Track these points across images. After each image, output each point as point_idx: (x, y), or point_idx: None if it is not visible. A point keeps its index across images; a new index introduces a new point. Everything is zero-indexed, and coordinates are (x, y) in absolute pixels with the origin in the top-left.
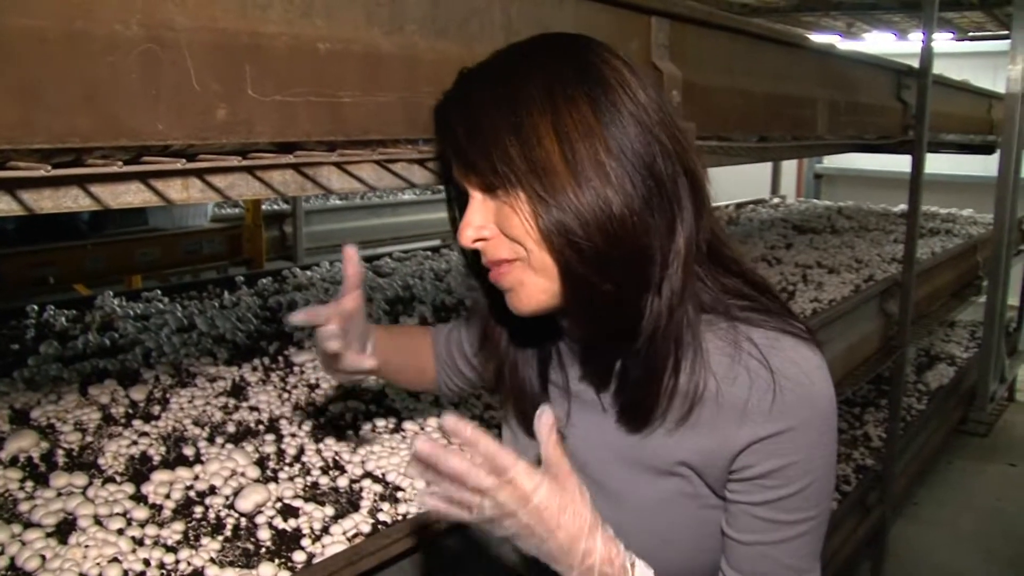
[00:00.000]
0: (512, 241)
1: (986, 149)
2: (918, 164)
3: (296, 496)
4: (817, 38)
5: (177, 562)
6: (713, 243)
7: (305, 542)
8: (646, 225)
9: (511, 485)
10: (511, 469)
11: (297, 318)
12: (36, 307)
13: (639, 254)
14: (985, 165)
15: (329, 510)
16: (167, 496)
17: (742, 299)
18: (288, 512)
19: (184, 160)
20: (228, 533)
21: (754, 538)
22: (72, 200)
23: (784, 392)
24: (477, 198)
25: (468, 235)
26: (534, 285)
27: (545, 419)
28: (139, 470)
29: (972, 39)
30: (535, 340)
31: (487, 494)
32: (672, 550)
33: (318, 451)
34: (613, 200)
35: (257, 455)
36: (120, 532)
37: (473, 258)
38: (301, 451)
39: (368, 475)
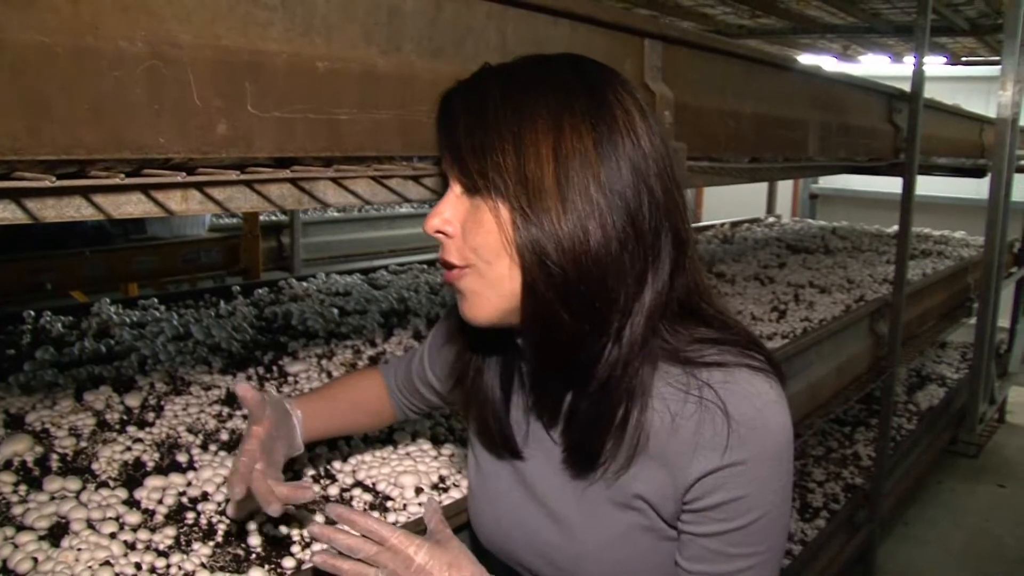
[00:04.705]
0: (468, 248)
1: (977, 172)
2: (909, 186)
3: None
4: (814, 60)
5: (168, 566)
6: (691, 301)
7: (295, 548)
8: (618, 268)
9: (391, 551)
10: (390, 537)
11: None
12: (33, 313)
13: (603, 294)
14: (978, 188)
15: (319, 518)
16: (160, 501)
17: (707, 343)
18: (279, 519)
19: (184, 173)
20: (219, 539)
21: (701, 568)
22: (75, 210)
23: (736, 426)
24: (455, 192)
25: (433, 223)
26: (485, 297)
27: (433, 505)
28: (132, 475)
29: (965, 64)
30: (499, 348)
31: (375, 560)
32: None
33: (310, 460)
34: (593, 234)
35: None
36: (112, 536)
37: None
38: (293, 460)
39: (358, 484)
